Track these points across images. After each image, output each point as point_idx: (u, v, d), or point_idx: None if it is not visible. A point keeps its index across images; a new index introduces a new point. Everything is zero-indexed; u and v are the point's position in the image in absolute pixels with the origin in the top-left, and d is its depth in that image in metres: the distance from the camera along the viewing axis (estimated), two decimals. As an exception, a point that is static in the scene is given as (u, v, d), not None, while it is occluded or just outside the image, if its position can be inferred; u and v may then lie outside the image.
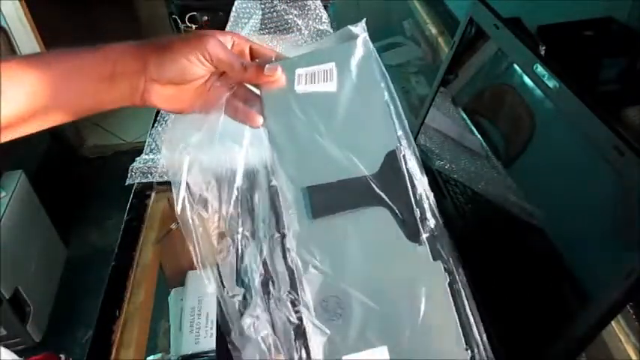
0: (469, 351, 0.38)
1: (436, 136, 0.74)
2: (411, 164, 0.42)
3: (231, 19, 0.95)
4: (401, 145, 0.43)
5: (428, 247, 0.39)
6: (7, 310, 1.45)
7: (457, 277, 0.40)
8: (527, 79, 0.54)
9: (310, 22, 0.94)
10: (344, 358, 0.36)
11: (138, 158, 0.85)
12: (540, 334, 0.48)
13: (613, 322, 0.57)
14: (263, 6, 0.95)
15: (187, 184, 0.45)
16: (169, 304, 0.91)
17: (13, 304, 1.47)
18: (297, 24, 0.95)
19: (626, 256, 0.38)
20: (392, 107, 0.44)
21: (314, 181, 0.41)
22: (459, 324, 0.38)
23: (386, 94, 0.44)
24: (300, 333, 0.38)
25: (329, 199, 0.40)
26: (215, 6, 1.12)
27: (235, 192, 0.46)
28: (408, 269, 0.38)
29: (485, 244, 0.61)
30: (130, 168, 0.84)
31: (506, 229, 0.59)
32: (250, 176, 0.48)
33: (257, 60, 0.47)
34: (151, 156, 0.86)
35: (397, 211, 0.40)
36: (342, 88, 0.44)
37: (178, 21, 1.15)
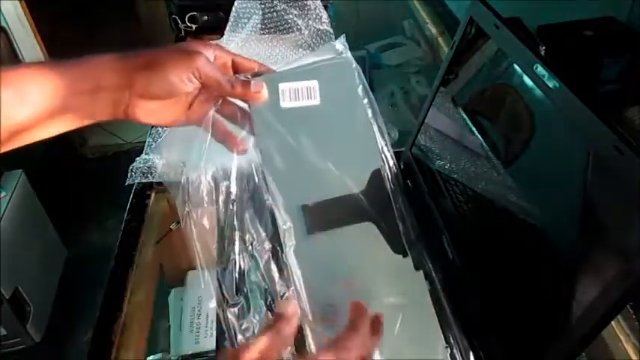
0: (448, 349, 0.42)
1: (436, 136, 0.74)
2: (393, 180, 0.46)
3: (231, 19, 0.95)
4: (384, 163, 0.46)
5: (411, 258, 0.43)
6: (7, 310, 1.45)
7: (437, 283, 0.45)
8: (527, 79, 0.54)
9: (310, 22, 0.94)
10: None
11: (138, 158, 0.85)
12: (540, 334, 0.48)
13: (613, 322, 0.57)
14: (263, 6, 0.95)
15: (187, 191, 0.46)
16: (169, 304, 0.91)
17: (13, 304, 1.47)
18: (297, 24, 0.95)
19: (626, 256, 0.38)
20: (375, 124, 0.47)
21: (307, 200, 0.43)
22: (439, 324, 0.42)
23: (369, 111, 0.48)
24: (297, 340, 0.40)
25: (322, 216, 0.43)
26: (215, 6, 1.11)
27: (231, 205, 0.47)
28: (394, 278, 0.43)
29: (485, 244, 0.61)
30: (130, 168, 0.84)
31: (506, 229, 0.59)
32: (244, 183, 0.48)
33: (242, 74, 0.47)
34: (151, 156, 0.86)
35: (383, 226, 0.43)
36: (325, 105, 0.46)
37: (178, 21, 1.15)
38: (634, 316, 0.57)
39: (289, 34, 0.97)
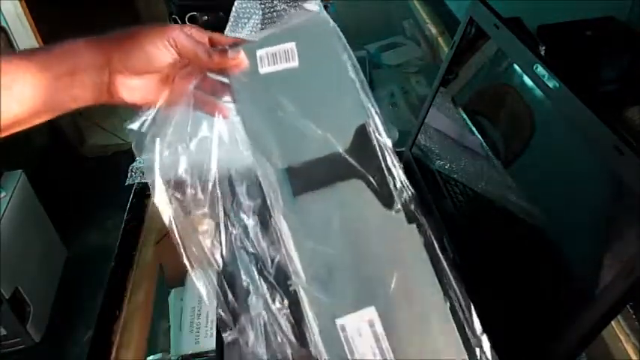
0: (447, 302, 0.41)
1: (436, 136, 0.74)
2: (380, 135, 0.44)
3: (231, 19, 0.95)
4: (369, 117, 0.45)
5: (403, 212, 0.42)
6: (7, 310, 1.45)
7: (431, 236, 0.43)
8: (527, 79, 0.54)
9: (310, 22, 0.94)
10: (337, 320, 0.38)
11: (138, 158, 0.85)
12: (541, 334, 0.48)
13: (613, 322, 0.57)
14: (263, 6, 0.95)
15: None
16: (169, 304, 0.90)
17: (13, 304, 1.47)
18: (297, 24, 0.95)
19: (626, 257, 0.38)
20: (357, 80, 0.46)
21: (291, 162, 0.43)
22: (435, 276, 0.41)
23: (349, 67, 0.46)
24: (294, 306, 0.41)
25: (308, 177, 0.42)
26: (215, 6, 1.11)
27: (212, 178, 0.47)
28: (386, 234, 0.42)
29: (485, 243, 0.61)
30: (130, 168, 0.84)
31: (506, 229, 0.59)
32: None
33: (219, 47, 0.47)
34: (151, 156, 0.85)
35: (372, 182, 0.42)
36: (305, 66, 0.45)
37: (178, 21, 1.15)
38: (634, 316, 0.57)
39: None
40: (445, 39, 1.13)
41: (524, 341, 0.51)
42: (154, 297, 0.75)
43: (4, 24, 1.92)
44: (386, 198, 0.42)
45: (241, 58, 0.45)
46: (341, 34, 0.48)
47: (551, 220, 0.53)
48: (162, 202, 0.46)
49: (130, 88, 0.45)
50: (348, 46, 0.48)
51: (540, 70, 0.50)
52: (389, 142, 0.45)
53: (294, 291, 0.41)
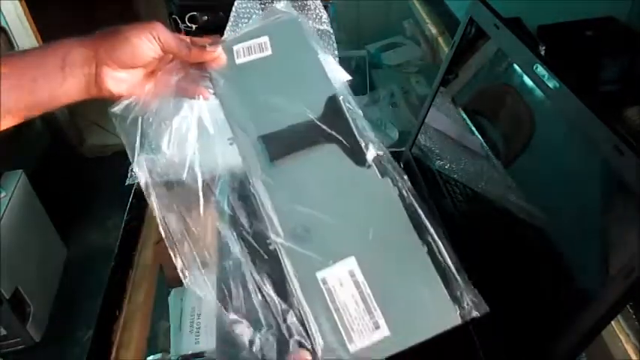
0: (425, 246, 0.42)
1: (436, 136, 0.74)
2: (350, 104, 0.48)
3: (231, 19, 0.95)
4: (338, 89, 0.49)
5: (375, 167, 0.44)
6: (7, 310, 1.45)
7: (404, 186, 0.45)
8: (527, 79, 0.54)
9: (310, 22, 0.94)
10: (317, 274, 0.39)
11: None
12: (541, 334, 0.48)
13: (613, 322, 0.57)
14: (263, 6, 0.95)
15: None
16: (169, 304, 0.90)
17: (13, 304, 1.47)
18: (297, 24, 0.95)
19: (626, 256, 0.38)
20: (324, 60, 0.51)
21: (267, 130, 0.46)
22: (411, 223, 0.42)
23: (319, 51, 0.51)
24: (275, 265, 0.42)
25: (283, 143, 0.46)
26: (215, 6, 1.11)
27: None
28: (361, 189, 0.44)
29: (485, 244, 0.61)
30: (130, 168, 0.84)
31: (506, 229, 0.59)
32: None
33: (199, 44, 0.51)
34: (151, 156, 0.85)
35: (344, 143, 0.45)
36: (277, 54, 0.50)
37: (178, 21, 1.15)
38: (634, 316, 0.57)
39: (289, 34, 0.97)
40: (445, 39, 1.13)
41: (525, 341, 0.51)
42: (153, 297, 0.75)
43: (4, 24, 1.92)
44: (358, 157, 0.45)
45: (219, 52, 0.49)
46: (307, 26, 0.54)
47: (551, 220, 0.53)
48: (143, 178, 0.50)
49: (117, 80, 0.47)
50: (316, 35, 0.53)
51: (540, 70, 0.50)
52: (359, 111, 0.49)
53: (275, 249, 0.42)
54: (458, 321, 0.39)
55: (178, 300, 0.89)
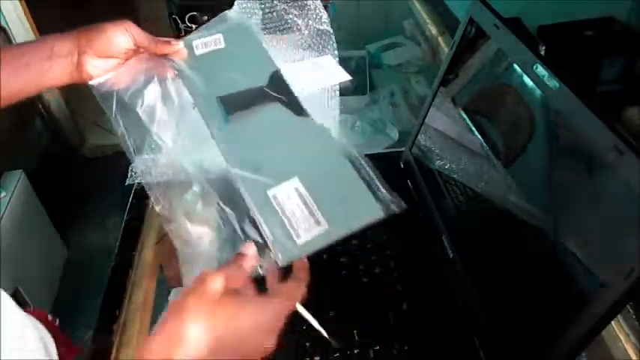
0: (351, 163, 0.51)
1: (436, 136, 0.74)
2: (288, 78, 0.60)
3: (231, 19, 0.95)
4: (280, 67, 0.61)
5: (311, 116, 0.55)
6: (7, 310, 1.45)
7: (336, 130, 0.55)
8: (527, 79, 0.54)
9: (310, 22, 0.93)
10: (268, 192, 0.48)
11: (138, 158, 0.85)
12: (541, 334, 0.48)
13: (613, 322, 0.57)
14: (263, 6, 0.95)
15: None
16: (169, 304, 0.90)
17: (13, 304, 1.47)
18: (297, 24, 0.95)
19: (626, 256, 0.38)
20: (266, 45, 0.65)
21: (223, 93, 0.57)
22: (341, 151, 0.52)
23: (262, 40, 0.65)
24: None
25: (236, 101, 0.57)
26: (215, 6, 1.11)
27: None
28: (301, 130, 0.54)
29: (485, 244, 0.62)
30: (130, 168, 0.84)
31: (506, 229, 0.59)
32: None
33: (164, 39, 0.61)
34: (151, 156, 0.85)
35: (287, 101, 0.56)
36: (229, 46, 0.63)
37: (178, 21, 1.15)
38: (634, 316, 0.57)
39: (289, 34, 0.97)
40: (445, 39, 1.13)
41: (525, 341, 0.51)
42: (153, 297, 0.75)
43: (4, 24, 1.92)
44: (298, 110, 0.56)
45: (181, 45, 0.59)
46: (254, 24, 0.67)
47: (552, 220, 0.53)
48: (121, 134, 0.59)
49: (95, 67, 0.56)
50: (261, 32, 0.67)
51: (540, 70, 0.50)
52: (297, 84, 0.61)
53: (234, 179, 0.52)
54: (381, 214, 0.49)
55: (178, 300, 0.89)
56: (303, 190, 0.49)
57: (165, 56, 0.59)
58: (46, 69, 0.54)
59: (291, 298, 0.46)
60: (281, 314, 0.44)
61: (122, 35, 0.56)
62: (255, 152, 0.53)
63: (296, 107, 0.56)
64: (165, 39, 0.60)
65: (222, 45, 0.62)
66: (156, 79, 0.60)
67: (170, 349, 0.38)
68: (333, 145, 0.54)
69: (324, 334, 0.52)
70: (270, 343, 0.42)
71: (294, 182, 0.50)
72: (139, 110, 0.59)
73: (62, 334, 0.66)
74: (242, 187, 0.50)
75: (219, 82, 0.58)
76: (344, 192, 0.50)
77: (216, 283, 0.41)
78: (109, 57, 0.56)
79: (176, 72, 0.60)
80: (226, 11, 0.65)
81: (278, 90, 0.58)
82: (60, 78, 0.56)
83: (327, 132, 0.55)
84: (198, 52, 0.61)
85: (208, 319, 0.40)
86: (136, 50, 0.58)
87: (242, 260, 0.46)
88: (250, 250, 0.46)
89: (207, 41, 0.62)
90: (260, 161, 0.51)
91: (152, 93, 0.60)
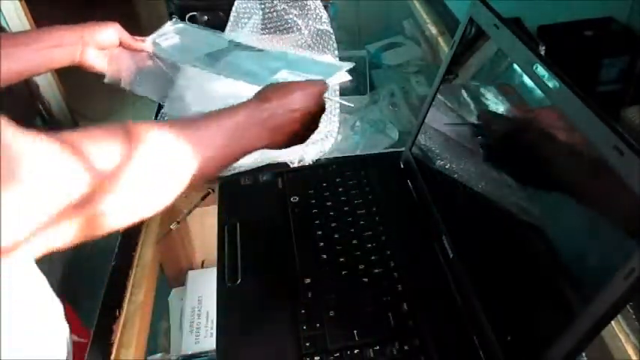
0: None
1: (436, 136, 0.74)
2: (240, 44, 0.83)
3: (231, 19, 0.95)
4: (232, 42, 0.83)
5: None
6: (7, 310, 1.45)
7: None
8: (527, 79, 0.54)
9: (310, 22, 0.94)
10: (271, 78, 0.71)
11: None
12: (540, 334, 0.48)
13: (613, 322, 0.57)
14: (263, 6, 0.95)
15: None
16: (169, 304, 0.91)
17: (13, 304, 1.47)
18: (297, 24, 0.95)
19: (626, 256, 0.38)
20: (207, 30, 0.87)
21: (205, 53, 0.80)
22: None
23: (209, 33, 0.87)
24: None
25: (219, 54, 0.79)
26: (215, 6, 1.11)
27: None
28: (265, 62, 0.77)
29: (485, 244, 0.62)
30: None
31: (505, 229, 0.59)
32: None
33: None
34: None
35: (253, 48, 0.81)
36: (184, 38, 0.85)
37: (178, 21, 1.15)
38: (634, 316, 0.57)
39: (289, 34, 0.97)
40: (445, 39, 1.13)
41: (525, 341, 0.51)
42: (153, 297, 0.75)
43: (4, 24, 1.92)
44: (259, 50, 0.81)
45: (149, 41, 0.80)
46: (195, 26, 0.90)
47: (552, 220, 0.53)
48: None
49: (94, 56, 0.72)
50: (203, 27, 0.89)
51: (540, 70, 0.50)
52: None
53: None
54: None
55: (178, 300, 0.89)
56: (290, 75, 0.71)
57: (138, 51, 0.79)
58: (55, 54, 0.68)
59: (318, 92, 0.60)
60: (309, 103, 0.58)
61: (114, 32, 0.75)
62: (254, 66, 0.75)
63: (255, 49, 0.82)
64: (138, 37, 0.79)
65: (177, 37, 0.84)
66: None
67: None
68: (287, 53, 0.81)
69: (345, 102, 0.76)
70: (297, 126, 0.57)
71: (283, 73, 0.72)
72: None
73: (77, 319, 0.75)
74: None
75: (195, 50, 0.80)
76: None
77: None
78: (104, 48, 0.74)
79: (158, 58, 0.81)
80: (169, 23, 0.87)
81: (240, 46, 0.82)
82: (63, 62, 0.70)
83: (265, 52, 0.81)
84: (164, 44, 0.82)
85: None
86: (119, 45, 0.76)
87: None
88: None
89: (166, 36, 0.83)
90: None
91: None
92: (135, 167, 0.41)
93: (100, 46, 0.72)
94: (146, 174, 0.42)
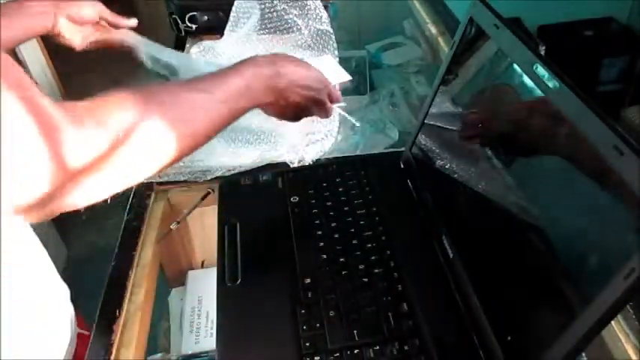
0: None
1: (436, 136, 0.74)
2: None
3: (231, 18, 0.95)
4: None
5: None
6: (7, 310, 1.45)
7: None
8: (527, 79, 0.54)
9: (310, 22, 0.94)
10: None
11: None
12: (540, 334, 0.48)
13: (613, 322, 0.57)
14: (263, 6, 0.95)
15: None
16: (169, 304, 0.90)
17: (13, 304, 1.47)
18: (297, 24, 0.95)
19: (626, 256, 0.38)
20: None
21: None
22: None
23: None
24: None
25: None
26: (215, 6, 1.11)
27: None
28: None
29: (485, 244, 0.62)
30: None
31: (506, 229, 0.59)
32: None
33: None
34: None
35: None
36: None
37: (178, 21, 1.15)
38: (634, 316, 0.57)
39: (289, 34, 0.97)
40: (445, 39, 1.13)
41: (524, 341, 0.51)
42: (153, 297, 0.75)
43: (4, 24, 1.92)
44: None
45: (134, 20, 0.83)
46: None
47: (552, 221, 0.53)
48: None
49: (68, 30, 0.73)
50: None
51: (540, 70, 0.50)
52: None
53: None
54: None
55: (178, 300, 0.89)
56: None
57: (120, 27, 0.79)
58: (29, 24, 0.69)
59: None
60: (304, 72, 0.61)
61: (89, 7, 0.74)
62: None
63: None
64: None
65: (175, 59, 0.82)
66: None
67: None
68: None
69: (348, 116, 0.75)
70: (296, 97, 0.60)
71: None
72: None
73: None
74: None
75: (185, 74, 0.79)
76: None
77: None
78: (80, 24, 0.74)
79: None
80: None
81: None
82: (37, 31, 0.71)
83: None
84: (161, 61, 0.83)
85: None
86: (98, 22, 0.76)
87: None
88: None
89: (167, 53, 0.83)
90: None
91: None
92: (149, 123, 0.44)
93: (75, 20, 0.73)
94: (161, 126, 0.45)
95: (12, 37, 0.68)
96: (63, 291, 0.69)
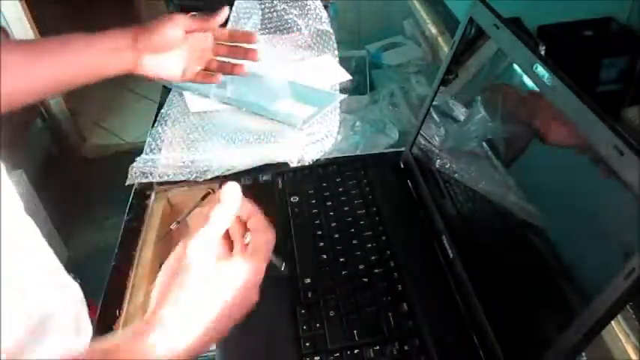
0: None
1: (436, 136, 0.74)
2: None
3: (231, 19, 0.95)
4: None
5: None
6: (7, 310, 1.44)
7: None
8: (527, 79, 0.54)
9: (310, 22, 0.94)
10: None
11: (138, 158, 0.85)
12: (540, 334, 0.48)
13: (613, 322, 0.57)
14: (263, 6, 0.95)
15: None
16: (169, 304, 0.90)
17: (13, 304, 1.47)
18: (297, 24, 0.95)
19: (626, 256, 0.38)
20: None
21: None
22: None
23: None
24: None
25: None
26: (215, 6, 1.11)
27: None
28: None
29: (485, 244, 0.62)
30: (130, 168, 0.84)
31: (506, 229, 0.59)
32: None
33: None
34: (151, 156, 0.85)
35: None
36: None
37: (178, 21, 1.15)
38: (634, 316, 0.57)
39: (289, 34, 0.97)
40: (445, 39, 1.13)
41: (525, 341, 0.51)
42: (153, 297, 0.75)
43: (4, 23, 1.92)
44: None
45: (225, 12, 0.72)
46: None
47: (551, 220, 0.53)
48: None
49: (154, 65, 0.62)
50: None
51: (540, 70, 0.50)
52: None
53: None
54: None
55: (178, 300, 0.88)
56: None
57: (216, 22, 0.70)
58: (108, 61, 0.59)
59: (267, 250, 0.45)
60: (262, 267, 0.44)
61: (173, 28, 0.62)
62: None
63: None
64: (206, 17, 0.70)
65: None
66: None
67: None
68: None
69: (280, 266, 0.49)
70: (255, 297, 0.45)
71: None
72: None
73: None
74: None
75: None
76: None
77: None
78: (166, 50, 0.63)
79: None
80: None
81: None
82: (118, 69, 0.61)
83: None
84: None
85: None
86: (187, 36, 0.65)
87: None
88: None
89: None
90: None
91: None
92: None
93: (161, 49, 0.61)
94: None
95: (71, 73, 0.58)
96: (73, 289, 0.65)
